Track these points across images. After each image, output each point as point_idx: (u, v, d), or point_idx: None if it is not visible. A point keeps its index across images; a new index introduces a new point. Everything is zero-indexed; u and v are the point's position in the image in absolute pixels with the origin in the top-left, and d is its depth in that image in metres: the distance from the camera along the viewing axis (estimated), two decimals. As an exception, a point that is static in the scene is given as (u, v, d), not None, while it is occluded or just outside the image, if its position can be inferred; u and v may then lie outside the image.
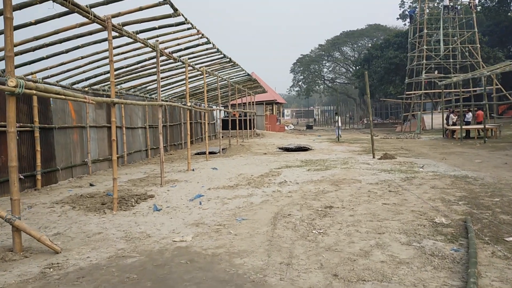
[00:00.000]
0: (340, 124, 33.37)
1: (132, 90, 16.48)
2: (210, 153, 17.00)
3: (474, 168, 11.35)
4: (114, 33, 8.23)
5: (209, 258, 4.74)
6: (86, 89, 12.92)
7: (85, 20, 7.23)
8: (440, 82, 26.24)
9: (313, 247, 5.02)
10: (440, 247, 4.92)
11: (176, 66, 13.69)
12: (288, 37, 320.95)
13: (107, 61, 9.98)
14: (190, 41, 10.90)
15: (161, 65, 13.11)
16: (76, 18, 7.22)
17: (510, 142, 18.98)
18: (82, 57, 10.15)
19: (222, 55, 13.83)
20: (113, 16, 7.39)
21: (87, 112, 12.82)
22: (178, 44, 10.87)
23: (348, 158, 14.76)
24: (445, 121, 25.08)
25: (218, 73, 17.52)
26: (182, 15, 8.39)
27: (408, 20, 61.45)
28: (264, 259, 4.67)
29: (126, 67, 11.92)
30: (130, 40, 9.34)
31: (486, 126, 21.93)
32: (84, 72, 11.43)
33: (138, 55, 11.06)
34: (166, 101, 19.82)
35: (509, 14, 40.71)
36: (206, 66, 14.99)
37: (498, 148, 16.51)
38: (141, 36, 9.05)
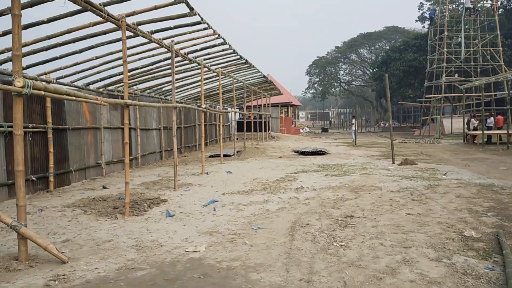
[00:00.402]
0: (356, 128, 32.92)
1: (147, 91, 16.32)
2: (224, 155, 16.75)
3: (500, 176, 10.85)
4: (128, 33, 8.02)
5: (223, 273, 4.44)
6: (101, 90, 12.78)
7: (98, 19, 7.01)
8: (461, 86, 25.56)
9: (335, 262, 4.68)
10: (472, 265, 4.53)
11: (191, 67, 13.46)
12: (304, 39, 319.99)
13: (121, 61, 9.79)
14: (206, 41, 10.64)
15: (176, 66, 12.89)
16: (89, 17, 7.02)
17: (535, 148, 18.32)
18: (97, 57, 9.97)
19: (238, 56, 13.55)
20: (128, 15, 7.17)
21: (102, 113, 12.66)
22: (194, 45, 10.63)
23: (366, 163, 14.34)
24: (465, 126, 24.40)
25: (234, 74, 17.26)
26: (198, 15, 8.13)
27: (427, 22, 60.69)
28: (282, 274, 4.34)
29: (141, 68, 11.72)
30: (145, 40, 9.12)
31: (510, 132, 21.24)
32: (98, 72, 11.26)
33: (153, 55, 10.84)
34: (181, 102, 19.65)
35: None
36: (221, 67, 14.73)
37: (523, 155, 15.91)
38: (156, 36, 8.83)
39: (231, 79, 17.26)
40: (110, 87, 13.10)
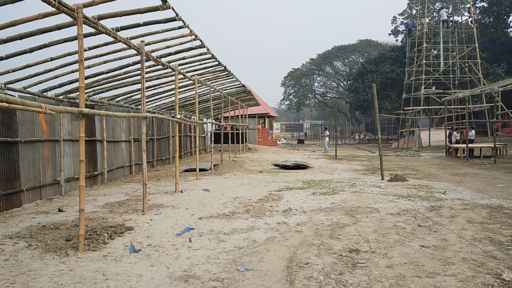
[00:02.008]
0: (328, 140, 32.22)
1: (116, 99, 14.90)
2: (200, 170, 15.43)
3: (502, 194, 9.97)
4: (89, 29, 6.73)
5: None
6: (61, 97, 11.33)
7: (49, 9, 5.70)
8: (442, 98, 25.09)
9: (355, 327, 3.49)
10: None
11: (165, 73, 12.18)
12: (278, 50, 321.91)
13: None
14: (181, 43, 9.40)
15: (148, 72, 11.60)
16: (39, 7, 5.71)
17: (522, 162, 17.77)
18: (52, 59, 8.57)
19: (216, 62, 12.35)
20: (85, 5, 5.89)
21: (61, 124, 11.20)
22: (168, 47, 9.37)
23: (354, 179, 13.31)
24: (447, 139, 23.86)
25: (211, 83, 16.04)
26: (173, 9, 6.91)
27: (400, 35, 61.17)
28: None
29: (107, 72, 10.35)
30: (110, 39, 7.83)
31: (489, 146, 20.79)
32: (56, 77, 9.84)
33: (120, 58, 9.52)
34: (154, 112, 18.27)
35: (505, 30, 40.12)
36: (198, 74, 13.50)
37: (513, 170, 15.24)
38: (123, 34, 7.54)
39: (208, 88, 16.03)
40: (72, 95, 11.66)
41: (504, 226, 6.87)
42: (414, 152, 26.70)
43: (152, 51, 9.22)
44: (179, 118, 10.63)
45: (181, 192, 10.87)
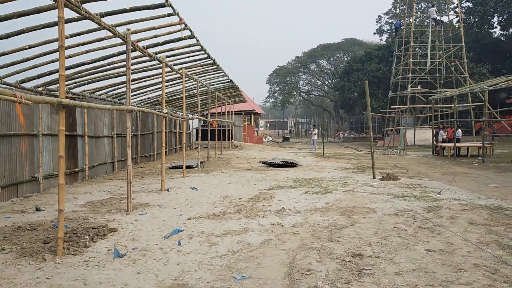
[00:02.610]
0: (316, 137, 32.01)
1: (98, 92, 14.27)
2: (187, 167, 14.91)
3: (498, 195, 9.74)
4: (71, 14, 6.19)
5: None
6: (40, 88, 10.70)
7: (26, -11, 5.16)
8: (431, 97, 25.04)
9: None
10: None
11: (151, 65, 11.64)
12: (264, 47, 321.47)
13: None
14: (169, 32, 8.90)
15: (133, 64, 11.05)
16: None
17: (509, 162, 17.72)
18: (30, 47, 7.96)
19: (205, 55, 11.85)
20: (67, -14, 5.35)
21: (40, 117, 10.58)
22: (155, 36, 8.84)
23: (345, 178, 12.99)
24: (434, 138, 23.82)
25: (199, 77, 15.52)
26: (162, -6, 6.42)
27: (385, 34, 61.42)
28: None
29: (89, 63, 9.76)
30: (94, 25, 7.28)
31: (479, 145, 20.78)
32: (35, 67, 9.21)
33: (104, 48, 8.95)
34: (138, 106, 17.66)
35: (490, 30, 40.44)
36: (185, 68, 12.98)
37: (502, 169, 15.13)
38: (108, 21, 7.01)
39: (195, 82, 15.51)
40: (52, 86, 11.03)
41: (508, 228, 6.59)
42: (400, 150, 26.61)
43: (139, 40, 8.70)
44: (166, 113, 10.12)
45: (168, 190, 10.37)
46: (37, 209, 8.29)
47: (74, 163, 12.49)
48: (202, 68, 14.22)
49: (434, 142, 23.61)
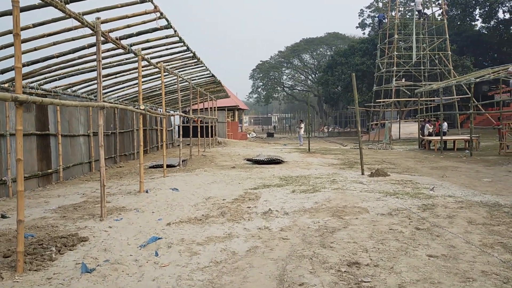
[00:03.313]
0: (302, 133, 31.62)
1: (73, 88, 13.51)
2: (168, 166, 14.26)
3: (493, 190, 9.38)
4: (31, 1, 5.52)
5: None
6: (6, 85, 9.92)
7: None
8: (416, 90, 24.80)
9: None
10: None
11: (126, 59, 10.95)
12: (247, 43, 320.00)
13: (25, 45, 7.15)
14: (144, 22, 8.24)
15: (107, 57, 10.37)
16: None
17: (496, 155, 17.54)
18: (-11, 38, 7.26)
19: (184, 48, 11.20)
20: (21, -35, 4.69)
21: (7, 116, 9.83)
22: (128, 26, 8.17)
23: (333, 174, 12.52)
24: (420, 131, 23.60)
25: (179, 71, 14.85)
26: (133, -23, 5.79)
27: (367, 28, 61.30)
28: None
29: (58, 56, 9.03)
30: (59, 14, 6.60)
31: (466, 138, 20.63)
32: (-1, 61, 8.48)
33: (73, 39, 8.25)
34: (112, 103, 16.90)
35: (472, 23, 40.52)
36: (164, 61, 12.30)
37: (491, 163, 14.87)
38: (74, 8, 6.35)
39: (176, 77, 14.84)
40: (4, 84, 10.21)
41: (511, 227, 6.17)
42: (386, 145, 26.35)
43: (111, 30, 8.02)
44: (143, 109, 9.47)
45: (146, 192, 9.74)
46: (3, 216, 7.59)
47: (47, 164, 11.75)
48: (182, 62, 13.56)
49: (420, 136, 23.39)
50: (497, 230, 6.08)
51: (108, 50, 9.51)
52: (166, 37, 9.74)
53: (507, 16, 42.23)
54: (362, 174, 12.38)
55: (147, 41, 9.63)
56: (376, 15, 58.16)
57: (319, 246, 5.47)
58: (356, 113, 13.31)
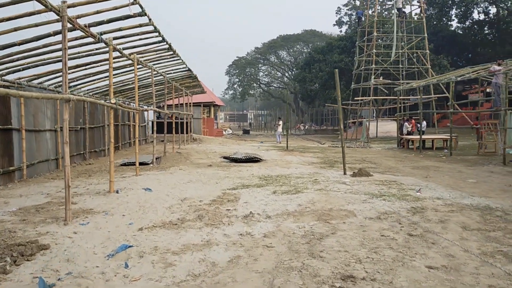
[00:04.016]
0: (280, 130, 31.25)
1: (38, 80, 12.61)
2: (141, 164, 13.55)
3: (480, 192, 9.11)
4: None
5: None
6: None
7: None
8: (396, 88, 24.69)
9: None
10: None
11: (96, 49, 10.19)
12: (223, 38, 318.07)
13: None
14: (115, 7, 7.56)
15: (75, 46, 9.60)
16: None
17: (475, 155, 17.51)
18: None
19: (159, 38, 10.51)
20: None
21: (-37, 108, 8.96)
22: (98, 12, 7.47)
23: (314, 174, 12.09)
24: (399, 130, 23.51)
25: (153, 64, 14.11)
26: (102, -46, 5.13)
27: (344, 26, 61.42)
28: None
29: (20, 43, 8.22)
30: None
31: (445, 137, 20.63)
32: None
33: (36, 25, 7.48)
34: (87, 96, 16.01)
35: (448, 23, 40.93)
36: (138, 53, 11.59)
37: (472, 163, 14.75)
38: (35, -12, 5.63)
39: (150, 70, 14.10)
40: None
41: (507, 234, 5.83)
42: (364, 143, 26.20)
43: (78, 16, 7.31)
44: (114, 103, 8.77)
45: (117, 192, 9.04)
46: (-48, 220, 6.79)
47: (9, 161, 10.89)
48: (157, 54, 12.84)
49: (399, 135, 23.30)
50: (494, 236, 5.72)
51: (76, 39, 8.76)
52: (140, 25, 9.04)
53: (482, 17, 42.92)
54: (345, 174, 11.99)
55: (119, 29, 8.91)
56: (353, 13, 58.43)
57: (307, 256, 4.97)
58: (339, 111, 12.94)
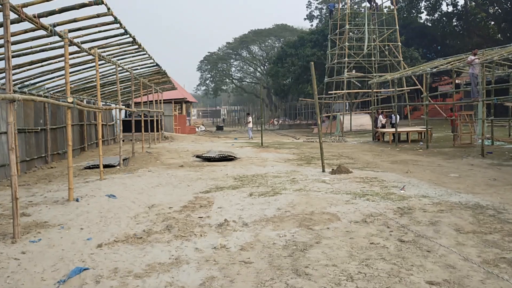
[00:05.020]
0: (251, 125, 30.70)
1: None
2: (106, 166, 12.68)
3: (465, 187, 8.73)
4: None
5: None
6: None
7: None
8: (370, 81, 24.41)
9: None
10: None
11: (51, 42, 9.25)
12: (193, 34, 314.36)
13: None
14: (67, -6, 6.75)
15: (26, 40, 8.66)
16: None
17: (451, 147, 17.35)
18: None
19: (121, 31, 9.66)
20: None
21: None
22: (47, 0, 6.62)
23: (292, 172, 11.50)
24: (374, 123, 23.26)
25: (118, 60, 13.20)
26: None
27: (315, 20, 61.25)
28: None
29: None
30: None
31: (420, 129, 20.49)
32: None
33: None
34: (46, 96, 14.95)
35: (418, 15, 41.12)
36: (99, 47, 10.68)
37: (450, 155, 14.50)
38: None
39: (114, 66, 13.18)
40: None
41: (505, 236, 5.37)
42: (339, 137, 25.87)
43: (24, 5, 6.43)
44: (71, 102, 7.91)
45: (77, 201, 8.18)
46: None
47: (-43, 168, 9.84)
48: (121, 48, 11.94)
49: (374, 128, 23.06)
50: (492, 240, 5.24)
51: (26, 32, 7.84)
52: (98, 16, 8.18)
53: (450, 9, 43.33)
54: (323, 171, 11.45)
55: (75, 20, 8.01)
56: (324, 7, 58.26)
57: (291, 273, 4.34)
58: (316, 105, 12.38)
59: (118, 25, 9.05)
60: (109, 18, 8.57)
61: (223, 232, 5.97)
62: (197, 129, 42.15)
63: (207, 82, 78.04)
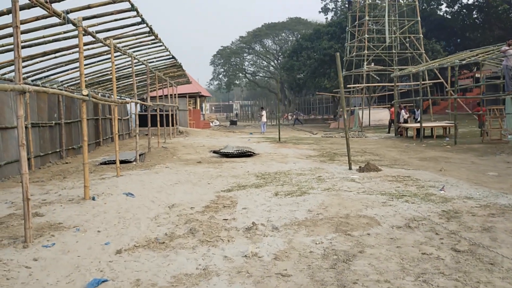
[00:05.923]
0: (265, 120, 30.15)
1: (2, 71, 11.12)
2: (123, 162, 12.21)
3: (508, 187, 8.05)
4: None
5: None
6: None
7: None
8: (392, 74, 23.60)
9: None
10: None
11: (65, 32, 8.76)
12: (207, 27, 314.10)
13: None
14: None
15: (39, 28, 8.17)
16: None
17: (480, 143, 16.54)
18: None
19: (139, 19, 9.11)
20: None
21: None
22: (59, -17, 6.12)
23: (316, 170, 10.89)
24: (396, 118, 22.48)
25: (133, 52, 12.69)
26: None
27: (330, 13, 60.19)
28: None
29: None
30: None
31: (446, 124, 19.70)
32: None
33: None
34: (60, 88, 14.54)
35: (439, 7, 39.94)
36: (114, 38, 10.17)
37: (481, 152, 13.73)
38: None
39: (130, 58, 12.68)
40: None
41: None
42: (359, 133, 25.13)
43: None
44: (86, 95, 7.41)
45: (93, 199, 7.70)
46: None
47: (-31, 164, 9.45)
48: (137, 39, 11.42)
49: (396, 123, 22.30)
50: None
51: (37, 19, 7.35)
52: (114, 1, 7.65)
53: (471, 1, 42.02)
54: (350, 168, 10.83)
55: (89, 7, 7.51)
56: (339, 0, 57.26)
57: (339, 291, 3.76)
58: (341, 98, 11.74)
59: (134, 13, 8.52)
60: (125, 5, 8.05)
61: (252, 237, 5.41)
62: (211, 124, 41.69)
63: (220, 76, 77.50)
